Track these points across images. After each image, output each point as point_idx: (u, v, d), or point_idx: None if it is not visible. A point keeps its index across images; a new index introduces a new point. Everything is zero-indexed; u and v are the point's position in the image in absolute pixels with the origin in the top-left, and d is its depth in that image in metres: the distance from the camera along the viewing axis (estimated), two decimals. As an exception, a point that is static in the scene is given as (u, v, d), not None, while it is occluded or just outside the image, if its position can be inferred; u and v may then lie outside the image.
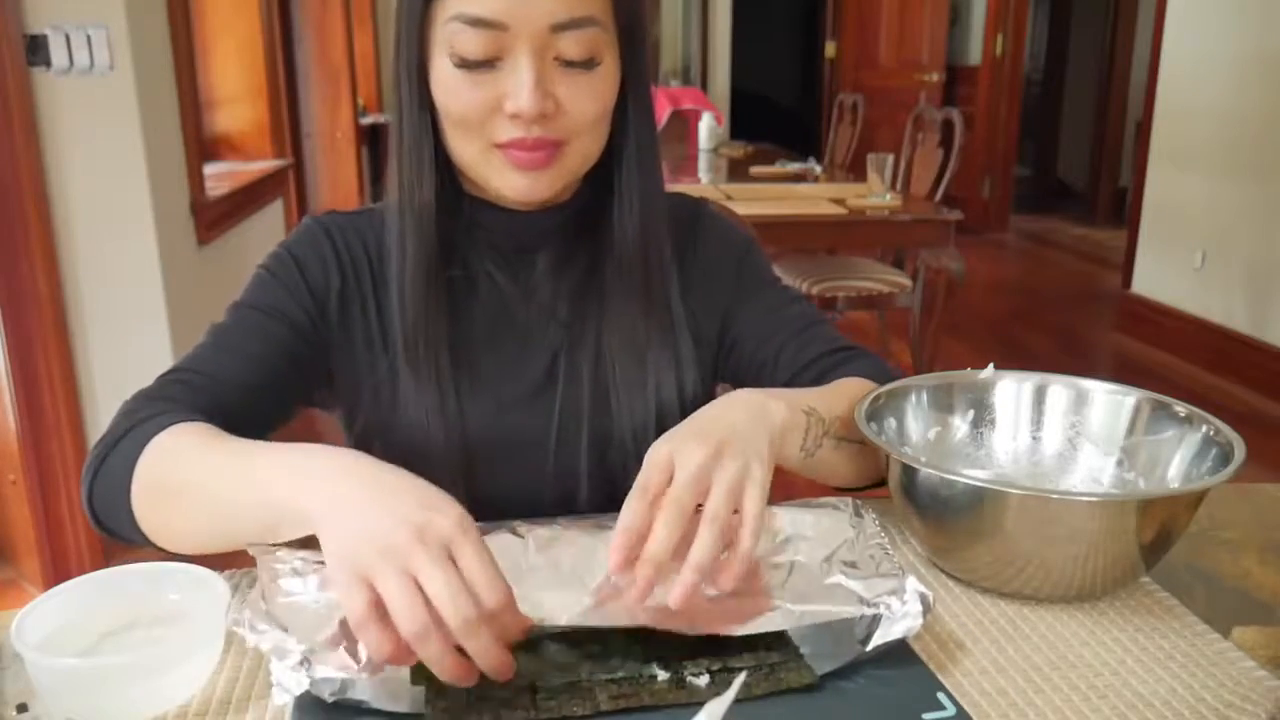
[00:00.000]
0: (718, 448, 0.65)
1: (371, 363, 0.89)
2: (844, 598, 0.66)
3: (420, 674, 0.58)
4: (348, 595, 0.56)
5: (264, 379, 0.85)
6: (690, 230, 0.97)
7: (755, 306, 0.96)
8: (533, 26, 0.77)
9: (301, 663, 0.56)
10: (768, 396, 0.75)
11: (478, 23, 0.77)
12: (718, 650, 0.62)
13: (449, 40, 0.78)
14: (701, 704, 0.55)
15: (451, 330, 0.87)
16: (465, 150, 0.83)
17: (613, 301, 0.89)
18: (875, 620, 0.64)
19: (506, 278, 0.90)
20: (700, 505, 0.63)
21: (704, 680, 0.60)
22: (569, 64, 0.79)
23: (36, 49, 2.12)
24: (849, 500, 0.77)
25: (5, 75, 2.04)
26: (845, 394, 0.85)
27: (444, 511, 0.58)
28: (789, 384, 0.93)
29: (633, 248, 0.88)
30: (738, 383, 0.99)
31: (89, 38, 2.17)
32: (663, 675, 0.60)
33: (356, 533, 0.57)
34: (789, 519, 0.75)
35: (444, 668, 0.56)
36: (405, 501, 0.59)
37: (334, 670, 0.57)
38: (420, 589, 0.55)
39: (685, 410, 0.88)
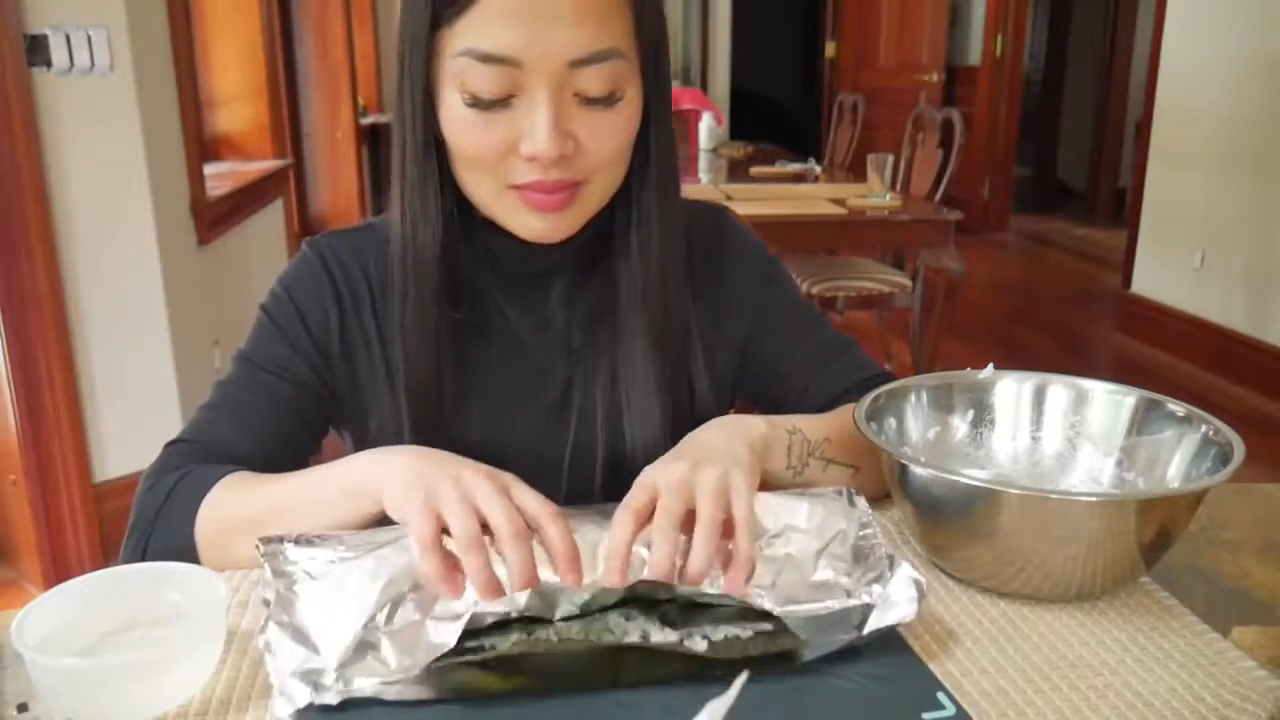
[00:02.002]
0: (695, 461, 0.70)
1: (376, 396, 0.87)
2: (834, 594, 0.67)
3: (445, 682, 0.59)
4: (420, 522, 0.63)
5: (274, 446, 0.84)
6: (712, 247, 0.93)
7: (778, 339, 0.94)
8: (550, 63, 0.71)
9: (337, 679, 0.58)
10: (750, 416, 0.80)
11: (490, 59, 0.71)
12: (714, 619, 0.63)
13: (459, 76, 0.73)
14: (699, 667, 0.59)
15: (459, 363, 0.84)
16: (478, 190, 0.79)
17: (627, 329, 0.86)
18: (867, 609, 0.65)
19: (518, 307, 0.87)
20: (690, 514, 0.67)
21: (702, 646, 0.61)
22: (589, 100, 0.74)
23: (36, 49, 2.12)
24: (844, 489, 0.77)
25: (5, 75, 2.04)
26: (839, 418, 0.86)
27: (503, 472, 0.68)
28: None
29: (652, 278, 0.84)
30: (760, 410, 0.98)
31: (89, 38, 2.17)
32: (658, 636, 0.61)
33: (433, 473, 0.66)
34: (785, 508, 0.75)
35: (482, 578, 0.62)
36: (471, 464, 0.68)
37: (367, 679, 0.58)
38: (477, 513, 0.63)
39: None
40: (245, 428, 0.83)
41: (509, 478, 0.68)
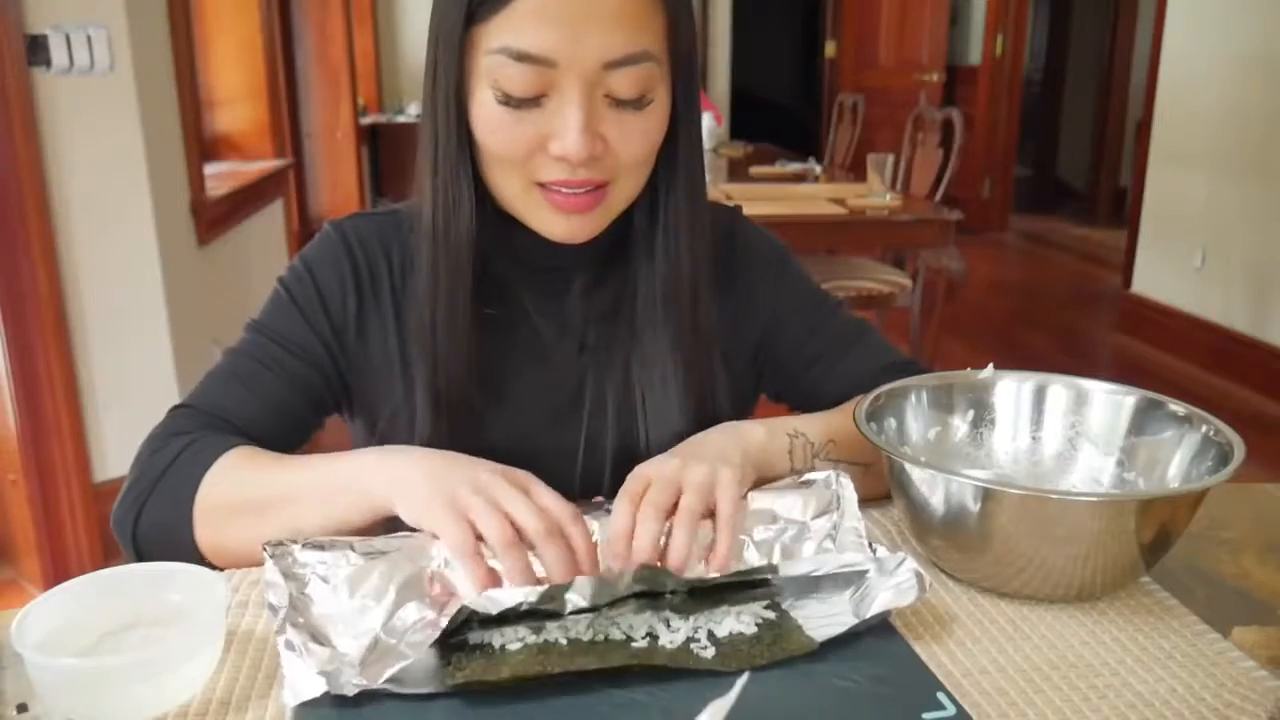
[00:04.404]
0: (685, 458, 0.74)
1: (389, 384, 0.86)
2: (834, 584, 0.69)
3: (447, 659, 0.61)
4: (454, 529, 0.65)
5: (277, 419, 0.84)
6: (725, 249, 0.92)
7: (793, 332, 0.94)
8: (584, 64, 0.72)
9: (357, 674, 0.58)
10: (749, 423, 0.82)
11: (525, 58, 0.71)
12: (720, 620, 0.65)
13: (492, 73, 0.73)
14: (706, 671, 0.61)
15: (478, 362, 0.83)
16: (505, 186, 0.79)
17: (645, 330, 0.86)
18: (863, 583, 0.67)
19: (536, 302, 0.87)
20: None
21: (710, 652, 0.62)
22: (619, 102, 0.74)
23: (36, 49, 2.12)
24: (829, 475, 0.78)
25: (5, 75, 2.04)
26: (847, 416, 0.85)
27: (517, 470, 0.70)
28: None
29: (681, 282, 0.84)
30: (782, 401, 0.99)
31: (89, 38, 2.17)
32: (669, 642, 0.63)
33: (451, 479, 0.67)
34: (780, 502, 0.76)
35: (525, 577, 0.64)
36: (484, 464, 0.70)
37: (386, 674, 0.58)
38: (506, 515, 0.65)
39: None
40: (251, 398, 0.83)
41: (525, 477, 0.69)
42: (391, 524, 0.72)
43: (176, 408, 0.84)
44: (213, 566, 0.73)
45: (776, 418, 0.85)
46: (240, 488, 0.76)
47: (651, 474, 0.72)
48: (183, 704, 0.60)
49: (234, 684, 0.61)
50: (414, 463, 0.71)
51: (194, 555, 0.75)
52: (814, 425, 0.84)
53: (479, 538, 0.65)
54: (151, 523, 0.76)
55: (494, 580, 0.65)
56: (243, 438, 0.81)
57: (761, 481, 0.80)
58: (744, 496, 0.75)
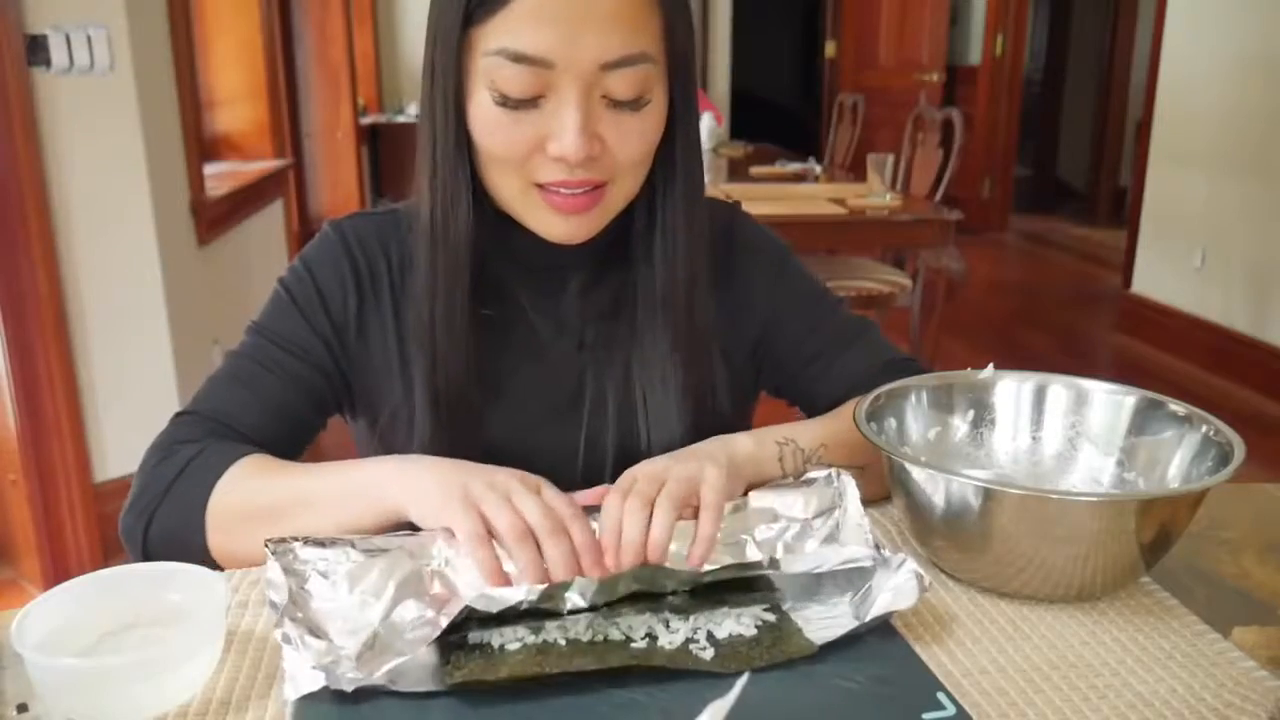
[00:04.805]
0: (674, 459, 0.77)
1: (389, 383, 0.87)
2: (835, 585, 0.69)
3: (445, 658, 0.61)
4: (464, 520, 0.67)
5: (280, 421, 0.84)
6: (724, 247, 0.92)
7: (792, 329, 0.94)
8: (581, 66, 0.72)
9: (355, 668, 0.59)
10: (738, 434, 0.83)
11: (522, 59, 0.72)
12: (720, 621, 0.66)
13: (489, 74, 0.73)
14: (705, 672, 0.61)
15: (476, 360, 0.84)
16: (503, 186, 0.79)
17: (646, 332, 0.86)
18: (865, 579, 0.67)
19: (534, 301, 0.87)
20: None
21: (709, 654, 0.62)
22: (617, 103, 0.75)
23: (36, 49, 2.12)
24: (831, 473, 0.78)
25: (5, 75, 2.04)
26: (839, 420, 0.86)
27: (529, 474, 0.73)
28: (832, 408, 0.92)
29: (678, 284, 0.84)
30: (781, 397, 0.99)
31: (89, 38, 2.17)
32: (668, 643, 0.63)
33: (466, 480, 0.69)
34: (781, 501, 0.76)
35: (535, 569, 0.66)
36: (497, 469, 0.72)
37: (384, 670, 0.58)
38: (517, 511, 0.67)
39: (716, 431, 0.86)
40: (253, 401, 0.83)
41: (538, 479, 0.71)
42: (400, 530, 0.72)
43: (180, 414, 0.84)
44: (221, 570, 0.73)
45: (766, 427, 0.85)
46: (254, 494, 0.76)
47: (638, 473, 0.74)
48: (183, 704, 0.60)
49: (234, 684, 0.61)
50: (427, 469, 0.73)
51: (206, 561, 0.75)
52: (804, 432, 0.85)
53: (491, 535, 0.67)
54: (162, 531, 0.76)
55: (503, 570, 0.66)
56: (248, 442, 0.81)
57: (755, 488, 0.80)
58: (735, 496, 0.77)
